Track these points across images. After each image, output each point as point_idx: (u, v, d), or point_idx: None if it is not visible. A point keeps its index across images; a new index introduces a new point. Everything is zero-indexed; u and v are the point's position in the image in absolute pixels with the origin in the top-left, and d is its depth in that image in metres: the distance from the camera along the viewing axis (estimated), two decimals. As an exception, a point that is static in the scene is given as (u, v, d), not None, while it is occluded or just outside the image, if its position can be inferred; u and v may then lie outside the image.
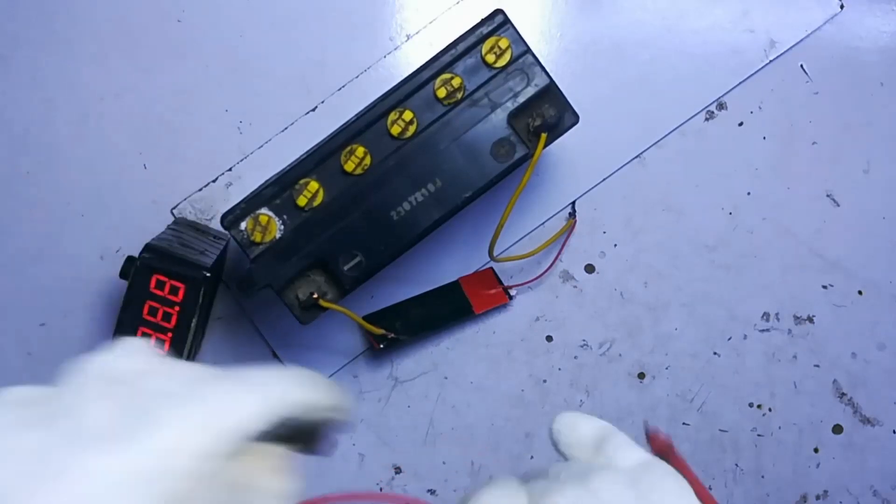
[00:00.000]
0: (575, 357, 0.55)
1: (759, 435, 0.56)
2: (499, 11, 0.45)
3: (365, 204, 0.45)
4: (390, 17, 0.55)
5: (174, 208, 0.53)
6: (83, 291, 0.53)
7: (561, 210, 0.55)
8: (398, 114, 0.45)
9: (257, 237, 0.44)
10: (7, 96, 0.53)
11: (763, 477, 0.56)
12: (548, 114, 0.45)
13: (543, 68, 0.45)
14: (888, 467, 0.56)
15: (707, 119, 0.56)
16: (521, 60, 0.45)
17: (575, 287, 0.55)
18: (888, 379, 0.56)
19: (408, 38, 0.54)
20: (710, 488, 0.55)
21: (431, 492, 0.53)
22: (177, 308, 0.45)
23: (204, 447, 0.20)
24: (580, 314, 0.55)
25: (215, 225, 0.53)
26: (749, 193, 0.56)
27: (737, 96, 0.56)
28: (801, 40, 0.56)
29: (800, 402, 0.56)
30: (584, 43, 0.55)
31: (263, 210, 0.45)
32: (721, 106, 0.56)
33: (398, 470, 0.54)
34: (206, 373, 0.23)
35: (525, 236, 0.55)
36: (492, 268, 0.55)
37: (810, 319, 0.56)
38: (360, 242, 0.45)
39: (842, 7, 0.56)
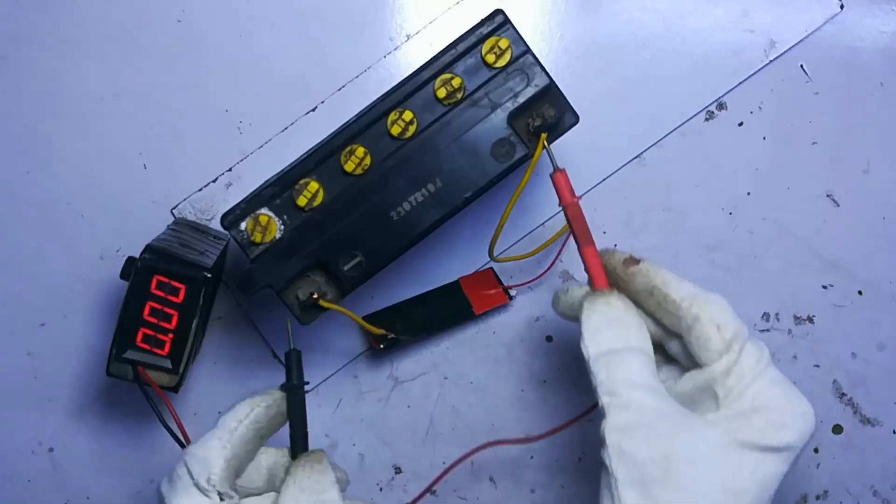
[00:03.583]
0: (575, 357, 0.55)
1: (759, 435, 0.56)
2: (499, 11, 0.45)
3: (365, 204, 0.45)
4: (390, 17, 0.55)
5: (174, 208, 0.53)
6: (83, 291, 0.53)
7: (561, 210, 0.55)
8: (398, 114, 0.45)
9: (257, 237, 0.44)
10: (7, 96, 0.53)
11: (763, 477, 0.56)
12: (548, 114, 0.45)
13: (543, 68, 0.45)
14: (888, 467, 0.56)
15: (707, 119, 0.56)
16: (521, 60, 0.45)
17: (575, 287, 0.55)
18: (888, 379, 0.56)
19: (408, 38, 0.54)
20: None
21: (432, 492, 0.53)
22: (177, 309, 0.45)
23: None
24: (580, 314, 0.55)
25: (215, 225, 0.53)
26: (749, 193, 0.56)
27: (737, 96, 0.56)
28: (801, 40, 0.56)
29: (800, 402, 0.56)
30: (584, 43, 0.55)
31: (263, 210, 0.45)
32: (721, 106, 0.56)
33: (398, 470, 0.54)
34: None
35: (525, 236, 0.55)
36: (492, 268, 0.55)
37: (810, 319, 0.56)
38: (360, 242, 0.45)
39: (842, 7, 0.56)
